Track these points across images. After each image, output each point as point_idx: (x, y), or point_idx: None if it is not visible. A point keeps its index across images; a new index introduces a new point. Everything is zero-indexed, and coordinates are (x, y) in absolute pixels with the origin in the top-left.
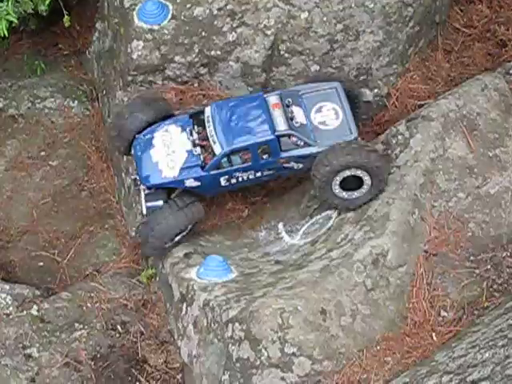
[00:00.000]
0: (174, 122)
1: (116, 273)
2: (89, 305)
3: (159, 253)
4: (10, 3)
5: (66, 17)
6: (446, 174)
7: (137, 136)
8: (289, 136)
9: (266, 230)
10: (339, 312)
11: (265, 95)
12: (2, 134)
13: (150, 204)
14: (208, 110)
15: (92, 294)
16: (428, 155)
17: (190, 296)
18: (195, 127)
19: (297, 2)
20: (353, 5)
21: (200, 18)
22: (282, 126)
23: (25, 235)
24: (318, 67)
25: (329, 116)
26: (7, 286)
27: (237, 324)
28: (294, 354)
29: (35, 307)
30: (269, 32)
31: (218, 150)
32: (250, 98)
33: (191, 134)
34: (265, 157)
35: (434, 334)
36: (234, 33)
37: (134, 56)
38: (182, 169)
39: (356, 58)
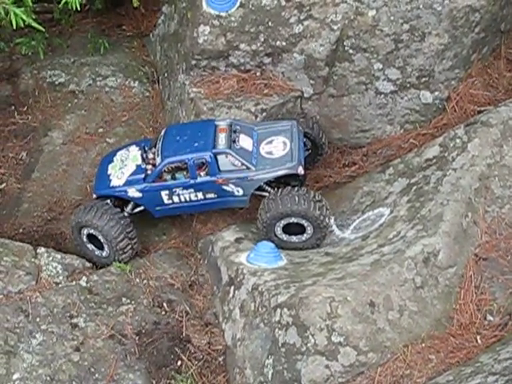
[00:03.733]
0: (136, 143)
1: (165, 252)
2: (137, 280)
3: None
4: None
5: None
6: (502, 180)
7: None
8: (226, 155)
9: None
10: (387, 306)
11: (216, 122)
12: (61, 109)
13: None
14: (162, 132)
15: (140, 271)
16: (485, 160)
17: (238, 280)
18: (150, 148)
19: (365, 0)
20: (421, 6)
21: (268, 8)
22: (221, 145)
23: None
24: (380, 65)
25: (277, 147)
26: (58, 256)
27: (285, 309)
28: (340, 343)
29: (84, 278)
30: (335, 27)
31: (158, 161)
32: (202, 123)
33: (145, 152)
34: (203, 174)
35: (478, 337)
36: (300, 25)
37: (200, 40)
38: (128, 180)
39: (419, 60)
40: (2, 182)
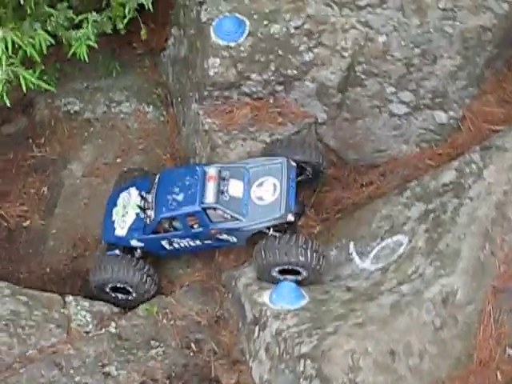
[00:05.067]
0: (136, 184)
1: (190, 288)
2: (164, 321)
3: (99, 293)
4: (89, 26)
5: (143, 30)
6: None
7: (112, 192)
8: (214, 209)
9: (337, 249)
10: (408, 352)
11: (205, 167)
12: (78, 139)
13: (110, 251)
14: (157, 177)
15: (167, 310)
16: (501, 187)
17: (262, 321)
18: (147, 194)
19: (375, 25)
20: (431, 29)
21: (277, 36)
22: (209, 198)
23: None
24: (393, 89)
25: (267, 191)
26: (86, 304)
27: (309, 361)
28: None
29: (113, 324)
30: (346, 54)
31: (152, 217)
32: (192, 168)
33: (142, 199)
34: (195, 227)
35: (498, 373)
36: (310, 53)
37: (211, 73)
38: (129, 229)
39: (432, 82)
40: (26, 220)
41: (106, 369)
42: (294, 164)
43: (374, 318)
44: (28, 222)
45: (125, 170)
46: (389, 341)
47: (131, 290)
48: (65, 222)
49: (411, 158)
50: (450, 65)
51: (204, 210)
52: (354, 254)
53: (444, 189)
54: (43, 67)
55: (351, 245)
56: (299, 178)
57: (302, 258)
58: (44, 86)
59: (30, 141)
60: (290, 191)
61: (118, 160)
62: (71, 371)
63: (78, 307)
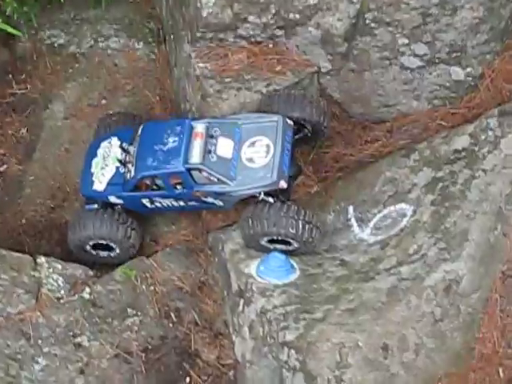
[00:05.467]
0: (118, 134)
1: (173, 249)
2: (143, 287)
3: (79, 252)
4: None
5: None
6: None
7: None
8: (199, 170)
9: (334, 213)
10: (402, 347)
11: (193, 122)
12: (61, 76)
13: (88, 206)
14: (140, 129)
15: (147, 275)
16: None
17: (247, 296)
18: (129, 146)
19: None
20: None
21: None
22: (194, 158)
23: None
24: (406, 40)
25: (259, 153)
26: (59, 266)
27: (293, 351)
28: None
29: (87, 290)
30: None
31: (132, 174)
32: (178, 123)
33: (123, 151)
34: (179, 187)
35: (501, 369)
36: None
37: (204, 13)
38: (108, 184)
39: (450, 35)
40: (2, 164)
41: (78, 339)
42: (290, 123)
43: (368, 304)
44: (5, 167)
45: (109, 114)
46: (382, 334)
47: (114, 246)
48: (43, 169)
49: (422, 116)
50: (472, 17)
51: (188, 170)
52: (353, 221)
53: (455, 156)
54: None
55: (350, 209)
56: (297, 136)
57: (292, 230)
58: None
59: (10, 76)
60: (285, 154)
61: (103, 101)
62: (39, 341)
63: (50, 270)
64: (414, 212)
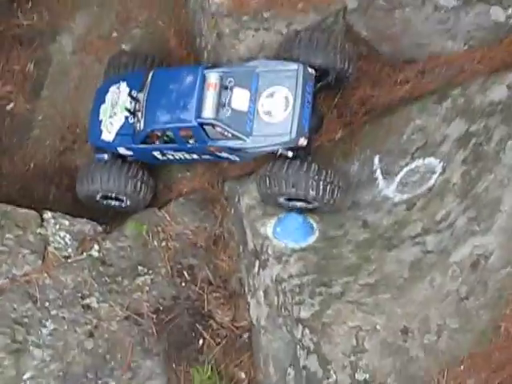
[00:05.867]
0: (128, 77)
1: (187, 199)
2: (155, 243)
3: (88, 202)
4: None
5: None
6: None
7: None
8: (212, 125)
9: (359, 163)
10: (423, 329)
11: (205, 71)
12: (70, 5)
13: (98, 155)
14: (149, 76)
15: (159, 228)
16: None
17: (263, 258)
18: (138, 93)
19: None
20: None
21: None
22: (207, 112)
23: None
24: None
25: (278, 105)
26: (66, 222)
27: (307, 331)
28: (365, 380)
29: (96, 247)
30: None
31: (141, 126)
32: (190, 71)
33: (132, 99)
34: (191, 141)
35: None
36: None
37: None
38: (117, 134)
39: None
40: (9, 102)
41: (86, 300)
42: (312, 72)
43: (389, 278)
44: (12, 105)
45: (119, 53)
46: (402, 316)
47: (124, 199)
48: (52, 108)
49: (457, 58)
50: None
51: (201, 125)
52: (378, 173)
53: (492, 108)
54: None
55: (376, 159)
56: (319, 84)
57: (312, 192)
58: None
59: (15, 5)
60: (305, 107)
61: (114, 34)
62: (47, 304)
63: (57, 226)
64: (444, 170)
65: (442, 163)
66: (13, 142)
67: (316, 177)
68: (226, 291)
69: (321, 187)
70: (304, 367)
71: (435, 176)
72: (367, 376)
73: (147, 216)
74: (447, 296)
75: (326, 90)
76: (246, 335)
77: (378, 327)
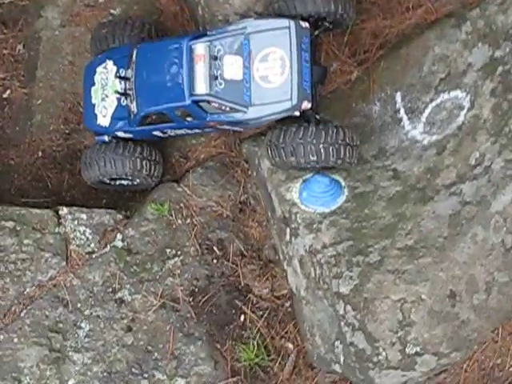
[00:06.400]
0: (113, 55)
1: (206, 167)
2: (179, 221)
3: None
4: None
5: None
6: None
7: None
8: (207, 101)
9: (380, 103)
10: (471, 290)
11: (191, 43)
12: None
13: (97, 137)
14: (134, 53)
15: (181, 205)
16: None
17: (293, 226)
18: (126, 70)
19: None
20: None
21: None
22: (200, 88)
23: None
24: None
25: (274, 68)
26: (84, 216)
27: (349, 307)
28: (417, 353)
29: (119, 236)
30: None
31: (134, 109)
32: (175, 44)
33: (121, 79)
34: (189, 119)
35: None
36: None
37: None
38: (113, 119)
39: None
40: (5, 89)
41: (118, 294)
42: (305, 26)
43: (428, 239)
44: (8, 92)
45: (103, 23)
46: (447, 280)
47: (131, 179)
48: (50, 89)
49: None
50: None
51: (195, 102)
52: (402, 112)
53: None
54: None
55: (398, 96)
56: (316, 32)
57: (332, 159)
58: None
59: None
60: (303, 67)
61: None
62: (78, 305)
63: (75, 222)
64: (472, 104)
65: (469, 96)
66: (15, 131)
67: (345, 142)
68: (260, 261)
69: (348, 152)
70: (351, 344)
71: (463, 112)
72: (418, 349)
73: (166, 194)
74: (492, 250)
75: (328, 32)
76: (287, 304)
77: (423, 297)
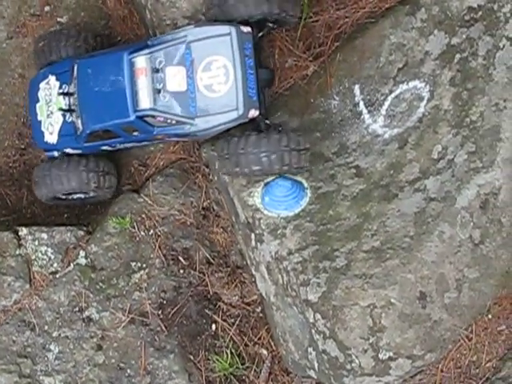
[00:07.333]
0: (56, 69)
1: (165, 175)
2: (142, 233)
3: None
4: None
5: None
6: None
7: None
8: (153, 116)
9: (339, 97)
10: (442, 289)
11: (131, 56)
12: None
13: (47, 153)
14: (75, 68)
15: (143, 216)
16: None
17: (257, 232)
18: (69, 86)
19: None
20: None
21: None
22: (144, 103)
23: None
24: None
25: (218, 77)
26: (45, 235)
27: (318, 315)
28: (390, 358)
29: (82, 253)
30: None
31: (80, 126)
32: (115, 58)
33: (65, 96)
34: (136, 134)
35: None
36: None
37: None
38: (60, 136)
39: None
40: None
41: (86, 313)
42: (247, 30)
43: (395, 239)
44: None
45: (42, 36)
46: (416, 281)
47: (84, 193)
48: (1, 104)
49: None
50: None
51: (140, 118)
52: (362, 105)
53: (471, 16)
54: None
55: (356, 89)
56: (260, 34)
57: (276, 167)
58: None
59: None
60: (248, 74)
61: (47, 8)
62: (46, 327)
63: (36, 242)
64: (432, 94)
65: (428, 86)
66: None
67: (273, 147)
68: (227, 268)
69: (279, 158)
70: (324, 351)
71: (423, 103)
72: (391, 354)
73: (127, 206)
74: (460, 246)
75: (276, 30)
76: (258, 309)
77: (392, 301)
